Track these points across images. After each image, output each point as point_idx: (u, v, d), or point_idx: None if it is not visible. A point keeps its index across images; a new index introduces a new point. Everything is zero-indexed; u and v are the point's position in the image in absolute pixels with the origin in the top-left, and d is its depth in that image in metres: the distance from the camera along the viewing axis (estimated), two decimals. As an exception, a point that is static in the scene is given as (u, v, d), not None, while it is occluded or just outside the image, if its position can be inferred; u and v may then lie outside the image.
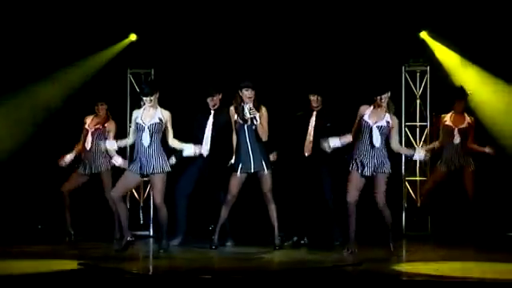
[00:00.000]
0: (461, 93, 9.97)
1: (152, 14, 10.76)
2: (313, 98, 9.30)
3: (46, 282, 6.72)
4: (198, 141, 8.99)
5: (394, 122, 8.34)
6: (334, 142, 8.42)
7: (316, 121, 9.33)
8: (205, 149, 9.15)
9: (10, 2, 10.57)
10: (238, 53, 10.66)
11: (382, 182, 8.32)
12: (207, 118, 9.29)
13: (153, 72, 10.64)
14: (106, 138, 9.47)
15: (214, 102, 9.29)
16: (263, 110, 8.83)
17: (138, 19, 10.85)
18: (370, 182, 8.35)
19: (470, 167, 9.89)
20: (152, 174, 8.32)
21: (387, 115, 8.32)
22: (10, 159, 10.79)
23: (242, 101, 8.76)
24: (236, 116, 8.82)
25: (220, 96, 9.32)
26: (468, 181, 9.88)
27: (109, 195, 9.38)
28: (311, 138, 9.26)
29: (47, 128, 10.83)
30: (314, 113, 9.36)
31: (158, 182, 8.35)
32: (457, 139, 9.89)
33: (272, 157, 9.09)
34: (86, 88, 10.36)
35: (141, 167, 8.31)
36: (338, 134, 8.54)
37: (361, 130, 8.34)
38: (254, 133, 8.79)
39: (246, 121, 8.77)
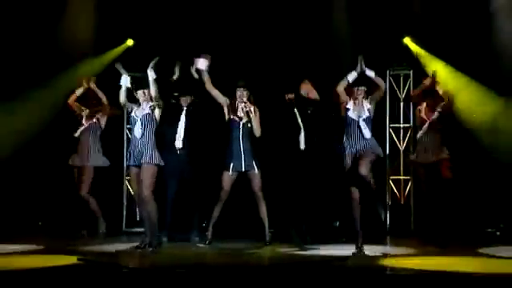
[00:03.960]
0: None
1: (149, 19, 10.86)
2: (291, 96, 9.42)
3: (45, 277, 6.84)
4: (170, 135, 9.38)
5: (371, 100, 8.51)
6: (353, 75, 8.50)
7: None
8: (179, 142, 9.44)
9: (5, 6, 10.70)
10: (234, 57, 10.79)
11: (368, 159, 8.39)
12: (179, 119, 9.54)
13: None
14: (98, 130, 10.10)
15: (187, 102, 9.63)
16: (256, 110, 9.07)
17: (135, 25, 10.95)
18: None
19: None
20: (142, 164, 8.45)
21: (365, 103, 8.46)
22: (12, 156, 10.90)
23: (236, 99, 9.05)
24: (232, 114, 9.03)
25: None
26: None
27: (85, 191, 9.91)
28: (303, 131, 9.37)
29: (46, 131, 10.97)
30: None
31: (147, 173, 8.43)
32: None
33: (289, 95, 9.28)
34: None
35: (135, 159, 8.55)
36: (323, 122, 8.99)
37: (348, 124, 8.47)
38: (248, 132, 9.01)
39: (241, 118, 9.00)
